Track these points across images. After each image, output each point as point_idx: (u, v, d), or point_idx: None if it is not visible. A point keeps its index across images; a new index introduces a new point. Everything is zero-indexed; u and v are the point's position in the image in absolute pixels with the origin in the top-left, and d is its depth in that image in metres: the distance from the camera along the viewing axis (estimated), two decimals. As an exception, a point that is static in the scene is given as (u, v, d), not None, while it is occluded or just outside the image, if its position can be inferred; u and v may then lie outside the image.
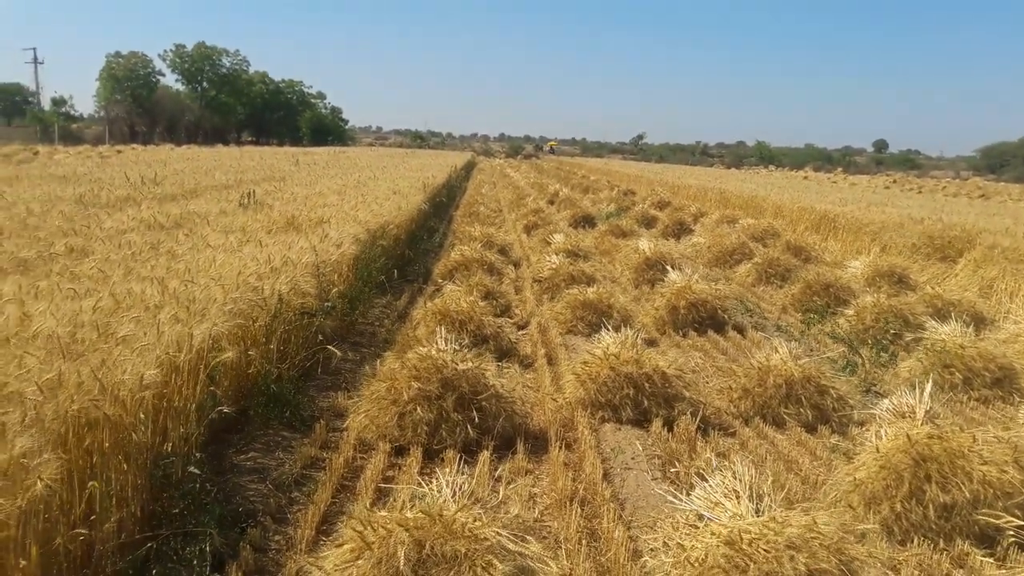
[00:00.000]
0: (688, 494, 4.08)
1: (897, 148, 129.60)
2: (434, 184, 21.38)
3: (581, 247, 13.45)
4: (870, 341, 9.03)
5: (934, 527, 4.45)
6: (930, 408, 5.29)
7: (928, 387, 5.38)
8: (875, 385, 7.57)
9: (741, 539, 3.35)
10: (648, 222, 20.37)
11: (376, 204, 12.19)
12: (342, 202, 12.22)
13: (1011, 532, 3.79)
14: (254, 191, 12.27)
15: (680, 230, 18.74)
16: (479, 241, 13.33)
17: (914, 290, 11.20)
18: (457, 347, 5.98)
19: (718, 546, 3.37)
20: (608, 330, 6.94)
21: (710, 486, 4.01)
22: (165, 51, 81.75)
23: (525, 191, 28.92)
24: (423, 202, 15.79)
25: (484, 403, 5.49)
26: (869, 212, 16.08)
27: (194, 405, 4.31)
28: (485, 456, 5.31)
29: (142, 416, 3.76)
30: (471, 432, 5.40)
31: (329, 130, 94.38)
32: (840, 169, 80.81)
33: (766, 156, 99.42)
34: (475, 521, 3.53)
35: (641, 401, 6.07)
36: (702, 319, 9.48)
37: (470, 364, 5.59)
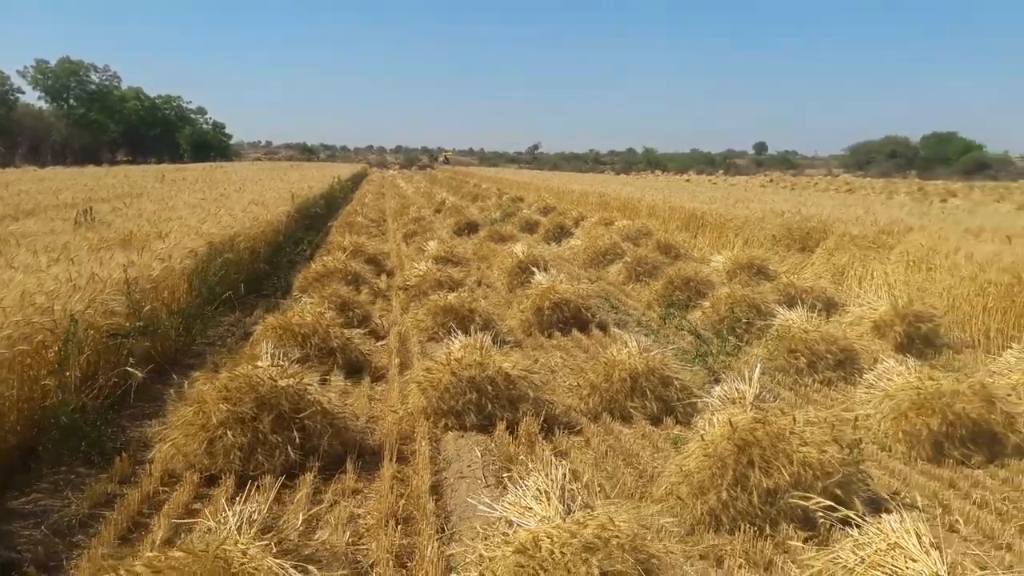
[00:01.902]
0: (501, 501, 3.86)
1: (776, 149, 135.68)
2: (308, 195, 20.73)
3: (455, 253, 13.23)
4: (725, 330, 9.15)
5: (760, 513, 4.40)
6: (760, 393, 5.29)
7: (756, 372, 5.37)
8: (724, 373, 7.62)
9: (536, 545, 3.14)
10: (531, 227, 20.38)
11: (229, 217, 11.58)
12: (192, 216, 11.55)
13: (820, 514, 3.74)
14: (91, 208, 11.44)
15: (561, 233, 18.82)
16: (346, 251, 12.90)
17: (772, 280, 11.49)
18: (284, 362, 5.60)
19: (509, 555, 3.14)
20: (472, 335, 6.72)
21: (523, 490, 3.80)
22: (25, 67, 76.92)
23: (412, 200, 28.50)
24: (288, 213, 15.20)
25: (307, 421, 5.13)
26: (735, 208, 16.52)
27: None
28: (308, 479, 4.95)
29: None
30: (292, 454, 5.03)
31: (211, 146, 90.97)
32: (721, 171, 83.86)
33: (653, 162, 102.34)
34: (250, 554, 3.19)
35: (485, 405, 5.86)
36: (566, 319, 9.39)
37: (290, 380, 5.21)
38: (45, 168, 48.67)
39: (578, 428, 6.09)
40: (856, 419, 5.59)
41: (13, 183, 22.48)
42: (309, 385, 5.30)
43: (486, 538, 3.60)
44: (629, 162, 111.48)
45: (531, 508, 3.57)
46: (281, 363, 5.59)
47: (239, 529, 3.56)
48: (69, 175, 30.83)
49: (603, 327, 9.43)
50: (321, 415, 5.21)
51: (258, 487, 4.86)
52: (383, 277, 12.76)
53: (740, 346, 8.33)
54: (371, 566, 3.96)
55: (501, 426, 5.76)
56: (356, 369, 7.43)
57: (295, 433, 5.06)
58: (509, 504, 3.72)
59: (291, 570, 3.35)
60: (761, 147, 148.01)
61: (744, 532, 4.35)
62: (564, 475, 3.82)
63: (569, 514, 3.55)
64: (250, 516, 3.67)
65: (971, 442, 5.61)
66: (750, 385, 5.24)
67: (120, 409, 6.15)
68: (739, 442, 4.46)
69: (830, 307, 10.10)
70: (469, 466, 5.19)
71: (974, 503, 4.91)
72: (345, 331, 7.57)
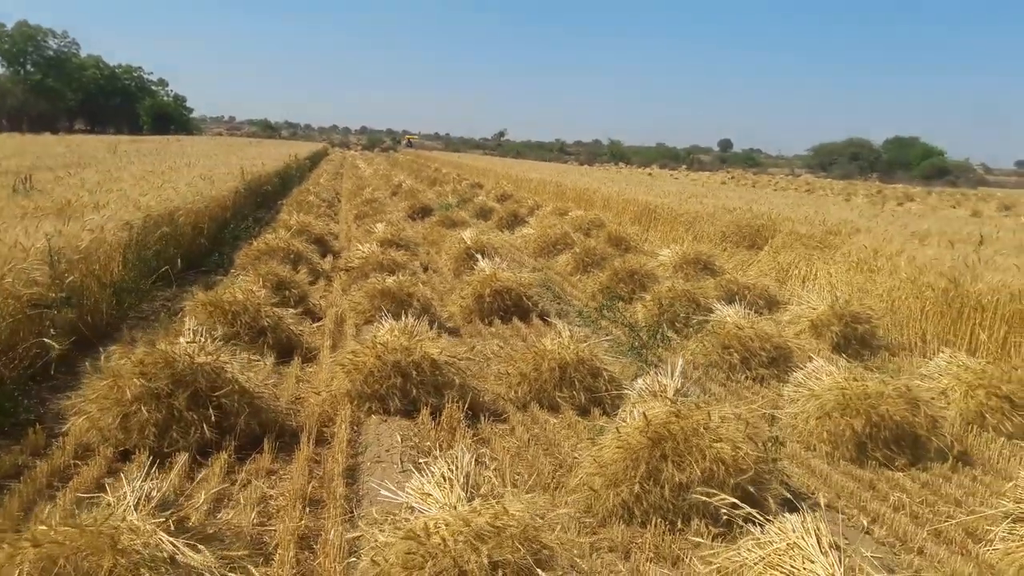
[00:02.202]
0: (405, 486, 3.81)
1: (741, 147, 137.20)
2: (261, 172, 20.37)
3: (403, 236, 13.09)
4: (664, 324, 9.20)
5: (672, 507, 4.41)
6: (682, 386, 5.31)
7: (679, 366, 5.39)
8: (658, 367, 7.65)
9: (427, 532, 3.09)
10: (486, 214, 20.29)
11: (172, 190, 11.30)
12: (134, 188, 11.25)
13: (724, 510, 3.75)
14: (30, 176, 11.08)
15: (514, 221, 18.76)
16: (291, 230, 12.70)
17: (718, 276, 11.57)
18: (205, 339, 5.47)
19: (399, 542, 3.09)
20: (406, 319, 6.64)
21: (428, 476, 3.75)
22: (-20, 30, 74.48)
23: (369, 182, 28.19)
24: (237, 190, 14.91)
25: (223, 400, 5.01)
26: (687, 204, 16.62)
27: None
28: (223, 458, 4.85)
29: None
30: (208, 432, 4.92)
31: (172, 119, 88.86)
32: (684, 167, 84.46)
33: (617, 154, 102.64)
34: (141, 530, 3.10)
35: (409, 390, 5.79)
36: (507, 307, 9.35)
37: (208, 358, 5.08)
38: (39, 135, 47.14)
39: (504, 416, 6.07)
40: (773, 417, 5.64)
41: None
42: (227, 363, 5.18)
43: (383, 523, 3.55)
44: (594, 153, 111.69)
45: (431, 495, 3.51)
46: (202, 340, 5.47)
47: (136, 505, 3.47)
48: (20, 142, 29.94)
49: (544, 316, 9.41)
50: (239, 394, 5.10)
51: (170, 464, 4.77)
52: (329, 258, 12.59)
53: (675, 340, 8.37)
54: (275, 548, 3.88)
55: (425, 412, 5.70)
56: (288, 349, 7.30)
57: (211, 411, 4.95)
58: (412, 490, 3.67)
59: (183, 548, 3.27)
60: (726, 144, 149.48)
61: (656, 526, 4.36)
62: (470, 462, 3.77)
63: (471, 502, 3.51)
64: (149, 493, 3.59)
65: (894, 444, 5.69)
66: (672, 379, 5.26)
67: (41, 381, 5.98)
68: (653, 436, 4.46)
69: (772, 305, 10.22)
70: (387, 451, 5.12)
71: (891, 505, 4.97)
72: (277, 310, 7.43)
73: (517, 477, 5.05)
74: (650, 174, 61.11)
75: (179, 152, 26.95)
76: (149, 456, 4.78)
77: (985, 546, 4.33)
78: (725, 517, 4.26)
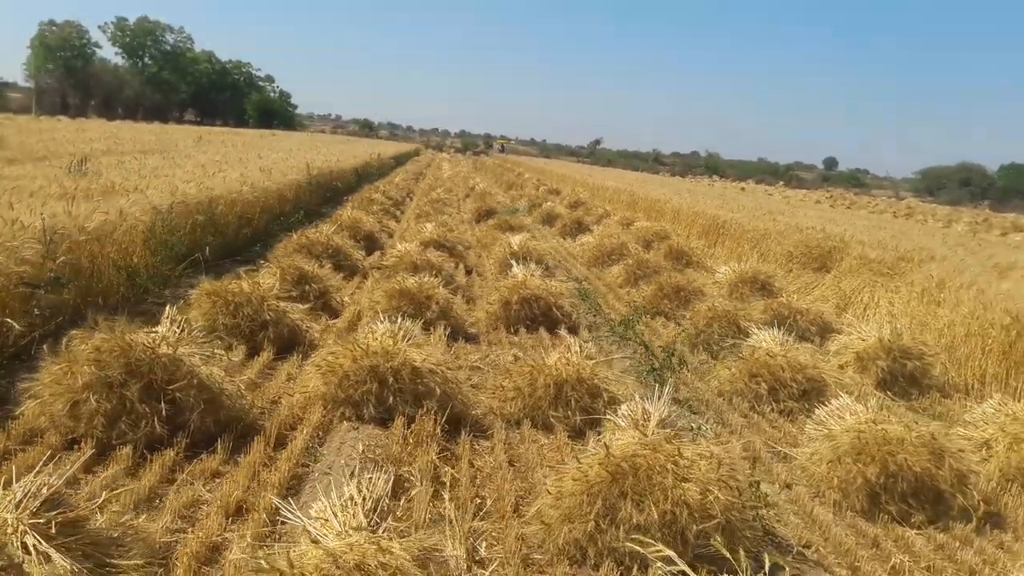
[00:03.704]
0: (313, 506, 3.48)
1: (847, 167, 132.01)
2: (334, 168, 20.60)
3: (449, 238, 12.85)
4: (701, 346, 8.62)
5: (627, 551, 3.94)
6: (667, 415, 4.80)
7: (666, 391, 4.88)
8: (679, 391, 7.10)
9: (291, 566, 2.75)
10: (551, 220, 19.92)
11: (220, 179, 11.40)
12: (185, 175, 11.41)
13: (659, 563, 3.26)
14: (86, 159, 11.39)
15: (578, 229, 18.29)
16: (340, 224, 12.69)
17: (774, 297, 10.84)
18: (182, 329, 5.32)
19: (268, 571, 2.77)
20: (403, 322, 6.37)
21: (336, 498, 3.41)
22: (106, 23, 79.07)
23: (444, 183, 28.30)
24: (297, 183, 15.03)
25: (178, 394, 4.82)
26: (758, 220, 15.77)
27: None
28: (170, 455, 4.65)
29: None
30: (158, 427, 4.73)
31: (276, 114, 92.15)
32: (781, 183, 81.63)
33: (712, 167, 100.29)
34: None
35: (386, 397, 5.47)
36: (535, 316, 8.96)
37: (168, 349, 4.90)
38: (113, 122, 49.84)
39: (489, 432, 5.69)
40: (754, 459, 5.05)
41: (51, 130, 22.90)
42: (188, 356, 4.99)
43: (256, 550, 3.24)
44: (689, 165, 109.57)
45: (328, 521, 3.17)
46: (176, 330, 5.32)
47: (19, 504, 3.27)
48: (118, 128, 31.45)
49: (574, 329, 8.96)
50: (197, 389, 4.90)
51: (113, 457, 4.61)
52: (376, 255, 12.49)
53: (708, 364, 7.79)
54: (176, 559, 3.62)
55: (400, 422, 5.38)
56: (289, 345, 7.12)
57: (162, 405, 4.76)
58: (316, 512, 3.34)
59: (51, 550, 3.05)
60: (831, 162, 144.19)
61: (608, 570, 3.90)
62: (384, 485, 3.42)
63: (374, 532, 3.16)
64: (38, 489, 3.38)
65: (913, 498, 5.02)
66: (656, 406, 4.76)
67: (27, 360, 5.97)
68: (613, 469, 4.00)
69: (825, 332, 9.44)
70: (344, 461, 4.81)
71: (891, 569, 4.34)
72: (283, 304, 7.26)
73: (479, 500, 4.68)
74: (742, 189, 59.30)
75: (265, 145, 27.65)
76: (96, 447, 4.68)
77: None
78: (691, 564, 3.77)
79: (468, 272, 12.21)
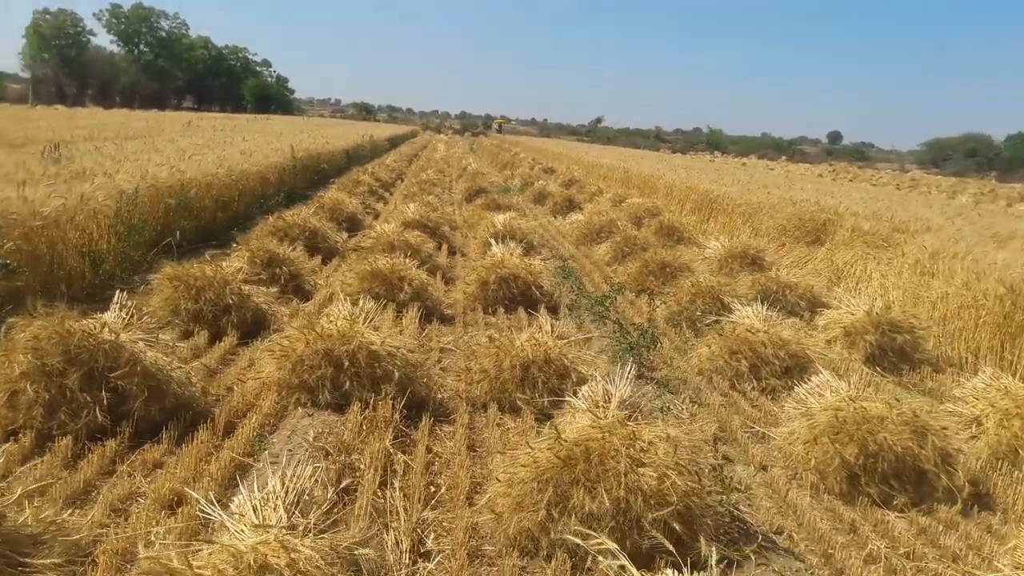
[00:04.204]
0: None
1: (851, 141, 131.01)
2: (322, 151, 20.31)
3: (432, 218, 12.57)
4: (684, 323, 8.38)
5: (580, 541, 3.71)
6: (630, 396, 4.57)
7: (629, 371, 4.64)
8: (660, 369, 6.87)
9: (201, 566, 2.53)
10: (542, 199, 19.64)
11: (194, 163, 11.14)
12: (160, 160, 11.15)
13: (601, 557, 3.03)
14: (58, 145, 11.14)
15: (569, 207, 17.99)
16: (321, 206, 12.47)
17: (765, 272, 10.58)
18: (127, 317, 5.10)
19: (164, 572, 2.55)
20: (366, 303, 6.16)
21: (255, 491, 3.19)
22: (100, 11, 78.46)
23: (437, 164, 27.95)
24: (279, 166, 14.76)
25: (120, 382, 4.60)
26: (752, 193, 15.46)
27: None
28: (111, 446, 4.44)
29: None
30: (99, 416, 4.51)
31: (274, 99, 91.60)
32: (784, 158, 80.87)
33: (714, 143, 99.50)
34: None
35: (342, 382, 5.24)
36: (513, 296, 8.72)
37: (111, 335, 4.67)
38: (109, 110, 49.45)
39: (452, 417, 5.45)
40: (716, 439, 4.82)
41: (41, 118, 22.64)
42: (132, 342, 4.76)
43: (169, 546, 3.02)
44: (691, 141, 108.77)
45: (244, 516, 2.95)
46: (124, 316, 5.10)
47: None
48: (110, 115, 31.17)
49: (554, 308, 8.73)
50: (140, 376, 4.67)
51: (50, 449, 4.40)
52: (359, 236, 12.23)
53: (692, 342, 7.55)
54: (98, 555, 3.41)
55: (356, 408, 5.15)
56: (255, 330, 6.90)
57: (104, 393, 4.54)
58: (235, 507, 3.12)
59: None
60: (835, 136, 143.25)
61: (560, 562, 3.68)
62: (310, 477, 3.19)
63: (292, 528, 2.94)
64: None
65: (895, 479, 4.79)
66: (619, 386, 4.53)
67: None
68: (564, 455, 3.77)
69: (815, 307, 9.18)
70: (291, 451, 4.60)
71: (867, 556, 4.10)
72: (247, 288, 7.03)
73: (433, 488, 4.47)
74: (743, 164, 58.73)
75: (255, 129, 27.33)
76: (35, 438, 4.47)
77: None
78: (654, 556, 3.55)
79: (452, 252, 11.96)
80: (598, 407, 4.38)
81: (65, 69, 69.68)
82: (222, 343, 6.50)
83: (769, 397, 6.45)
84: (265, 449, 4.60)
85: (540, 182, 21.86)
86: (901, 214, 13.00)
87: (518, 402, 5.60)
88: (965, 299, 7.77)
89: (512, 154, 40.06)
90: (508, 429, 5.38)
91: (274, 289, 7.80)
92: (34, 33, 69.32)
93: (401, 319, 7.62)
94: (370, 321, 5.84)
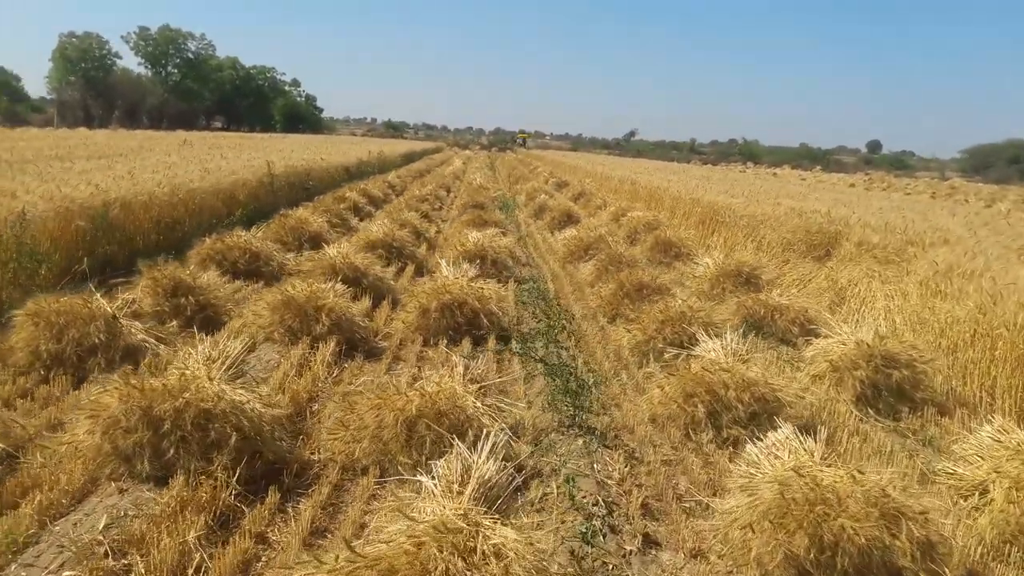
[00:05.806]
0: None
1: (891, 149, 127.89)
2: (313, 167, 19.51)
3: (397, 237, 11.58)
4: (651, 354, 7.23)
5: None
6: (491, 475, 3.46)
7: (488, 443, 3.54)
8: (597, 416, 5.74)
9: None
10: (541, 212, 18.61)
11: (128, 181, 10.29)
12: (95, 180, 10.31)
13: None
14: None
15: (567, 221, 16.91)
16: (283, 226, 11.61)
17: (760, 291, 9.38)
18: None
19: None
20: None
21: None
22: (128, 33, 79.39)
23: (444, 179, 27.14)
24: (244, 182, 13.88)
25: None
26: (758, 206, 14.21)
27: None
28: None
29: None
30: None
31: (303, 118, 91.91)
32: (819, 168, 78.65)
33: (746, 153, 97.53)
34: None
35: (164, 449, 4.21)
36: (459, 325, 7.66)
37: None
38: (133, 131, 49.45)
39: (312, 490, 4.39)
40: (707, 507, 3.67)
41: (33, 139, 22.25)
42: None
43: None
44: (725, 153, 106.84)
45: None
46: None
47: None
48: (111, 136, 30.85)
49: (505, 338, 7.64)
50: None
51: None
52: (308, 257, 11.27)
53: (636, 377, 6.42)
54: None
55: (181, 480, 4.12)
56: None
57: None
58: None
59: None
60: (875, 145, 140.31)
61: None
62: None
63: None
64: None
65: (858, 579, 3.62)
66: (480, 455, 3.43)
67: None
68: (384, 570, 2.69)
69: (810, 333, 7.97)
70: (62, 548, 3.57)
71: None
72: (126, 323, 6.08)
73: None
74: (775, 174, 57.02)
75: (260, 147, 26.70)
76: None
77: None
78: None
79: (419, 274, 10.94)
80: (451, 491, 3.29)
81: (91, 92, 70.49)
82: (80, 391, 5.52)
83: (729, 451, 5.29)
84: (29, 545, 3.57)
85: (543, 196, 20.82)
86: (919, 224, 11.67)
87: (400, 467, 4.52)
88: (979, 326, 6.51)
89: (530, 168, 39.16)
90: (385, 504, 4.31)
91: (173, 323, 6.83)
92: (60, 57, 70.25)
93: (315, 355, 6.62)
94: (234, 367, 4.83)
